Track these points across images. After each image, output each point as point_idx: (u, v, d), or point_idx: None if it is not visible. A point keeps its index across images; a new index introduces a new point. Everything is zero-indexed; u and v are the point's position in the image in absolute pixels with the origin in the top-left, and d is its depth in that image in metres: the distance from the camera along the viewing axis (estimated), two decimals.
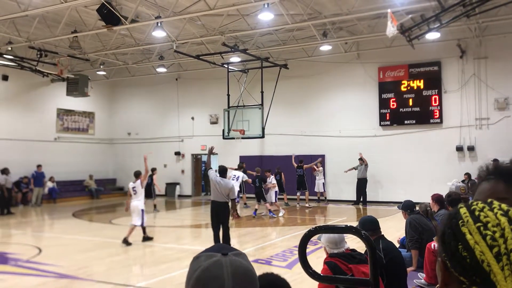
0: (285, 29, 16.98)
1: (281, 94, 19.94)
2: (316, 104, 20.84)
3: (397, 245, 6.54)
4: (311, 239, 2.25)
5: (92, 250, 10.38)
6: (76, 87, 20.58)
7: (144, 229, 11.09)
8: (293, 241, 11.13)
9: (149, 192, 17.46)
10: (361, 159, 18.43)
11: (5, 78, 20.81)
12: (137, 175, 11.21)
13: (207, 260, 1.16)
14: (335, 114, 20.40)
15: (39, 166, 20.67)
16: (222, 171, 9.40)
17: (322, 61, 20.11)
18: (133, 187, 10.98)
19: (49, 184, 21.61)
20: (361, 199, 18.45)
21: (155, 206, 17.82)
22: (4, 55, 18.23)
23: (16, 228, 14.65)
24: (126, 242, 10.58)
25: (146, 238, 11.11)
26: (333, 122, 20.38)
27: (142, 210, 10.87)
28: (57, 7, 13.45)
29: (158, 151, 24.63)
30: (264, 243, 11.03)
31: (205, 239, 12.54)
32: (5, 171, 18.12)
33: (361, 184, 18.45)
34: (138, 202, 10.88)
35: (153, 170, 17.56)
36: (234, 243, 11.63)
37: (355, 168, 18.62)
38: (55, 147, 22.87)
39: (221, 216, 9.17)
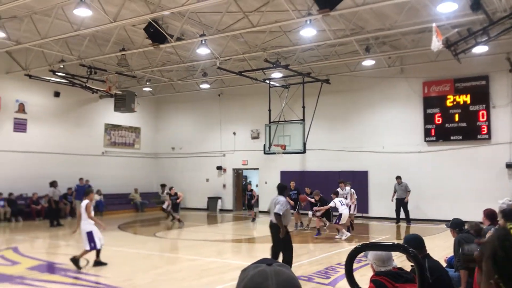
0: (327, 44, 17.01)
1: (322, 109, 19.89)
2: (358, 119, 20.64)
3: (444, 265, 6.37)
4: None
5: (137, 262, 10.62)
6: (123, 103, 21.28)
7: (97, 252, 9.88)
8: (335, 258, 11.00)
9: (176, 207, 18.41)
10: (399, 177, 17.92)
11: (57, 94, 21.80)
12: (87, 193, 10.14)
13: (253, 270, 1.24)
14: (378, 129, 20.12)
15: (80, 179, 21.07)
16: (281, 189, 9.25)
17: (365, 76, 19.95)
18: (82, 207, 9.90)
19: (96, 197, 22.26)
20: (400, 218, 17.86)
21: (179, 220, 18.07)
22: (57, 73, 19.13)
23: (64, 240, 15.17)
24: (75, 262, 9.54)
25: (98, 263, 9.86)
26: (376, 138, 20.09)
27: (89, 233, 9.70)
28: (106, 26, 14.03)
29: (201, 165, 25.03)
30: (306, 260, 10.94)
31: (247, 254, 12.60)
32: (53, 184, 18.76)
33: (400, 204, 17.88)
34: (84, 224, 9.77)
35: (171, 188, 18.78)
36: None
37: (394, 190, 18.07)
38: (102, 161, 23.65)
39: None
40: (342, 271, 9.15)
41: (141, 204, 24.40)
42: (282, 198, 8.92)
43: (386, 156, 19.78)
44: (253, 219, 19.81)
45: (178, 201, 18.46)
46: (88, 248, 9.69)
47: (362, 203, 19.54)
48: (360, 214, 18.98)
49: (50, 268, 9.93)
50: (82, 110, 23.21)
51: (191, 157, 25.52)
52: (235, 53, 17.59)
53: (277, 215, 8.67)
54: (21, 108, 20.64)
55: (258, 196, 21.41)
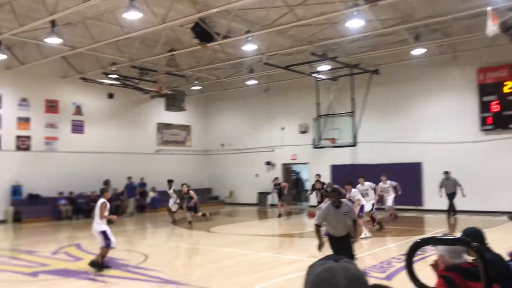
0: (374, 34, 16.66)
1: (372, 101, 19.54)
2: (410, 110, 20.12)
3: (507, 258, 6.14)
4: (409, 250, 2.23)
5: (192, 257, 10.89)
6: (173, 102, 21.83)
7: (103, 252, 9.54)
8: (390, 252, 10.83)
9: (194, 208, 16.32)
10: (446, 172, 17.19)
11: (111, 96, 22.62)
12: (102, 192, 9.98)
13: (320, 266, 1.27)
14: (431, 119, 19.52)
15: (129, 178, 21.72)
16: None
17: (416, 64, 19.38)
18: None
19: (151, 194, 22.98)
20: (456, 210, 17.21)
21: (190, 222, 16.17)
22: (110, 75, 19.84)
23: (123, 236, 15.76)
24: (95, 265, 9.32)
25: (97, 265, 9.37)
26: (429, 128, 19.51)
27: (103, 232, 9.51)
28: (155, 28, 14.40)
29: (250, 161, 25.23)
30: (361, 254, 10.83)
31: (299, 249, 12.62)
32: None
33: (452, 198, 17.04)
34: (96, 224, 9.63)
35: (183, 185, 16.52)
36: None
37: (441, 186, 17.09)
38: (156, 159, 24.34)
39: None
40: (397, 265, 9.01)
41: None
42: (349, 203, 7.75)
43: (440, 147, 19.17)
44: (280, 215, 18.71)
45: (192, 203, 16.22)
46: (104, 244, 9.40)
47: (416, 196, 19.10)
48: (413, 207, 18.54)
49: (111, 263, 10.34)
50: (135, 110, 23.97)
51: (240, 153, 25.77)
52: (281, 48, 17.57)
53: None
54: (78, 110, 21.58)
55: (287, 187, 19.84)
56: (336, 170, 21.05)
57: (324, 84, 20.35)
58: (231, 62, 19.40)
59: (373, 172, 19.41)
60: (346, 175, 17.81)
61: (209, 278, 8.70)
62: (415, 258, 2.39)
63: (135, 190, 21.92)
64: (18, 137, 19.57)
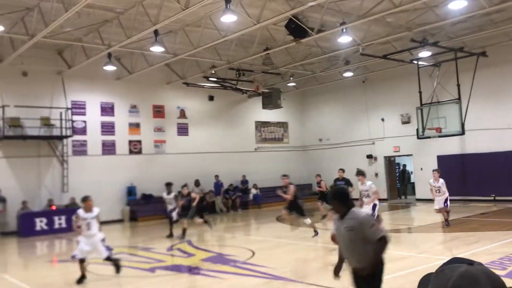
0: (480, 13, 15.46)
1: (481, 85, 18.18)
2: None
3: None
4: None
5: (299, 253, 10.95)
6: (270, 100, 22.14)
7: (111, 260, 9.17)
8: (510, 247, 10.02)
9: (193, 211, 14.42)
10: None
11: (211, 98, 23.53)
12: (82, 201, 9.15)
13: (455, 271, 1.16)
14: None
15: (216, 176, 22.33)
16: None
17: None
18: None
19: (253, 191, 23.53)
20: None
21: (206, 221, 14.88)
22: (210, 78, 20.64)
23: (228, 232, 16.35)
24: (115, 265, 9.11)
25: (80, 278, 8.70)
26: None
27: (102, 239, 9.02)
28: (251, 29, 14.68)
29: (350, 155, 24.77)
30: (476, 249, 10.15)
31: (408, 244, 12.14)
32: (197, 183, 20.18)
33: None
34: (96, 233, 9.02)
35: (183, 187, 14.98)
36: (441, 248, 11.01)
37: None
38: (255, 157, 24.88)
39: None
40: None
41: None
42: (358, 211, 4.61)
43: None
44: (324, 216, 15.66)
45: (194, 204, 14.48)
46: (106, 255, 8.95)
47: None
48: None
49: (221, 259, 10.76)
50: (233, 110, 24.69)
51: (339, 147, 25.40)
52: (377, 37, 17.01)
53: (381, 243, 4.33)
54: (182, 114, 22.75)
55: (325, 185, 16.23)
56: (443, 161, 19.91)
57: (426, 70, 19.33)
58: (326, 55, 19.19)
59: (485, 163, 18.11)
60: (454, 166, 16.80)
61: (317, 274, 8.70)
62: None
63: (222, 188, 22.37)
64: (130, 141, 21.12)
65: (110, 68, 18.02)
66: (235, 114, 24.75)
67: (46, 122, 18.50)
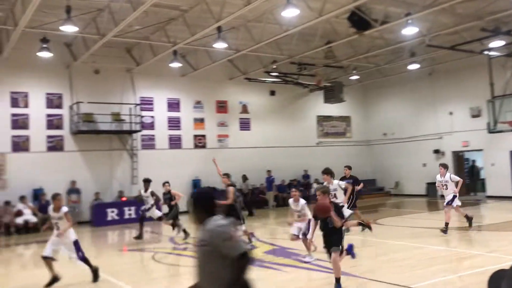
0: None
1: None
2: None
3: None
4: None
5: (360, 249, 10.82)
6: (332, 94, 21.94)
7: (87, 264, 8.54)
8: None
9: (173, 212, 13.53)
10: None
11: (273, 93, 23.67)
12: (53, 197, 8.54)
13: None
14: None
15: (268, 171, 22.36)
16: None
17: None
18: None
19: (315, 186, 23.40)
20: None
21: (173, 226, 13.52)
22: (271, 73, 20.76)
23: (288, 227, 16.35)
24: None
25: (51, 279, 8.17)
26: None
27: (75, 242, 8.42)
28: (312, 22, 14.61)
29: (416, 150, 24.05)
30: None
31: (478, 243, 11.67)
32: (244, 178, 20.17)
33: None
34: (68, 233, 8.45)
35: (164, 184, 13.79)
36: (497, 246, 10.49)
37: None
38: (317, 152, 24.74)
39: None
40: None
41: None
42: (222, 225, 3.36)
43: None
44: (348, 230, 12.01)
45: (173, 202, 13.47)
46: (77, 257, 8.36)
47: None
48: None
49: (283, 252, 10.86)
50: (295, 105, 24.68)
51: (404, 142, 24.71)
52: (445, 27, 16.36)
53: None
54: (244, 109, 23.08)
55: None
56: None
57: (498, 61, 18.36)
58: (390, 48, 18.71)
59: None
60: None
61: (379, 271, 8.59)
62: None
63: (273, 183, 22.36)
64: (195, 136, 21.75)
65: (175, 65, 18.63)
66: (297, 109, 24.72)
67: (116, 117, 19.45)
